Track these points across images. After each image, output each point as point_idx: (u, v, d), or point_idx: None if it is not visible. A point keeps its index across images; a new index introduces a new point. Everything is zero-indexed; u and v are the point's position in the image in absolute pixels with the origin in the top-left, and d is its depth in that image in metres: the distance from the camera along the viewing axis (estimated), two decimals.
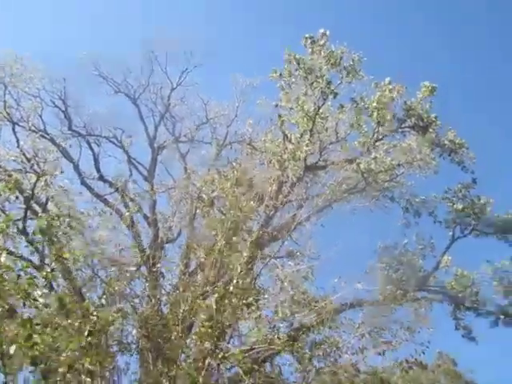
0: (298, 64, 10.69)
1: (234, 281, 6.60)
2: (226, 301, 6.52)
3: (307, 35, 10.96)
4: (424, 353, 9.20)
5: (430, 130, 12.03)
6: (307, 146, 10.19)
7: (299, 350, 8.85)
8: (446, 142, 12.51)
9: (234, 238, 7.31)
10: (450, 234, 13.40)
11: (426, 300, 12.83)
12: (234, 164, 9.73)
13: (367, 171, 11.72)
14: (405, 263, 12.94)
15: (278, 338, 7.83)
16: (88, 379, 4.66)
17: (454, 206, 13.28)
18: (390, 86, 11.25)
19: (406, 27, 27.61)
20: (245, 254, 7.24)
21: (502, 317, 13.41)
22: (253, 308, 7.04)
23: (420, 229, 13.61)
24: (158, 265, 8.36)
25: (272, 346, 8.26)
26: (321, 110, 10.74)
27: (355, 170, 11.63)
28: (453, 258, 13.60)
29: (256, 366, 8.00)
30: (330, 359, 9.21)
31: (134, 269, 8.28)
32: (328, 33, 10.86)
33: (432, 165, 12.88)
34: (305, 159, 10.42)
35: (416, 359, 9.26)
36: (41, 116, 13.77)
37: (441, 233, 13.67)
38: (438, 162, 12.88)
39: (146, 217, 12.40)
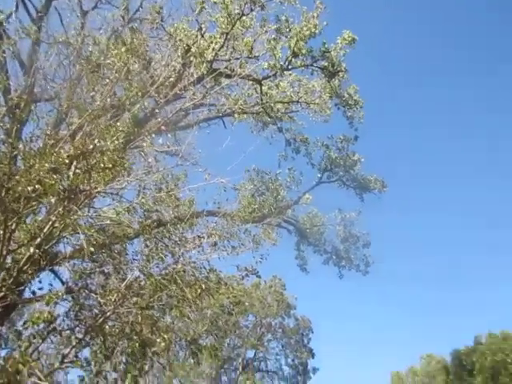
0: None
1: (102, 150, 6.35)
2: (88, 167, 6.33)
3: None
4: (261, 261, 10.24)
5: (337, 78, 12.42)
6: (219, 48, 9.80)
7: (151, 238, 9.14)
8: (346, 94, 13.09)
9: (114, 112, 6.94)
10: (319, 176, 14.55)
11: (278, 226, 14.07)
12: (135, 30, 8.92)
13: (267, 96, 11.82)
14: (270, 189, 13.81)
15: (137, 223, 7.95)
16: None
17: (330, 153, 14.30)
18: (317, 22, 11.16)
19: None
20: (121, 129, 6.96)
21: (334, 257, 15.37)
22: (115, 183, 6.98)
23: (294, 164, 14.51)
24: (23, 115, 7.62)
25: (126, 228, 8.38)
26: (244, 18, 10.31)
27: (257, 90, 11.64)
28: (313, 198, 14.95)
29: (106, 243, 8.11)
30: (177, 255, 9.75)
31: None
32: None
33: (326, 113, 13.44)
34: (211, 61, 10.06)
35: (253, 268, 10.26)
36: None
37: (311, 174, 14.78)
38: (331, 112, 13.49)
39: (22, 64, 10.94)
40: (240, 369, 29.60)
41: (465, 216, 71.01)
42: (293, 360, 34.12)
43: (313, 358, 34.61)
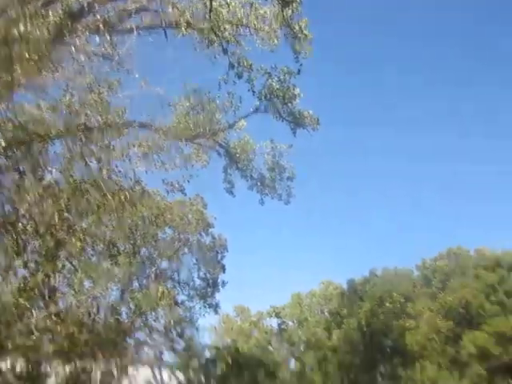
0: None
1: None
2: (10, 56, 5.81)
3: None
4: (189, 181, 10.46)
5: (290, 7, 12.04)
6: None
7: (75, 142, 8.83)
8: (296, 26, 12.80)
9: None
10: (257, 103, 14.52)
11: (209, 148, 14.15)
12: None
13: (217, 13, 11.21)
14: (207, 110, 13.62)
15: None
16: None
17: (272, 83, 14.20)
18: None
19: None
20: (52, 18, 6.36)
21: (258, 184, 15.88)
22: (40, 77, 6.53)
23: (234, 89, 14.27)
24: None
25: (48, 127, 7.98)
26: None
27: (206, 5, 10.96)
28: (247, 126, 15.02)
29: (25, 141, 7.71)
30: (102, 162, 9.55)
31: None
32: None
33: (273, 42, 13.08)
34: None
35: (180, 185, 10.48)
36: None
37: (249, 101, 14.69)
38: (279, 42, 13.16)
39: None
40: (153, 277, 30.64)
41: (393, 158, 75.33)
42: (205, 274, 35.92)
43: (224, 272, 36.74)
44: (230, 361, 21.53)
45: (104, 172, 8.71)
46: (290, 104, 15.20)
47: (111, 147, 9.48)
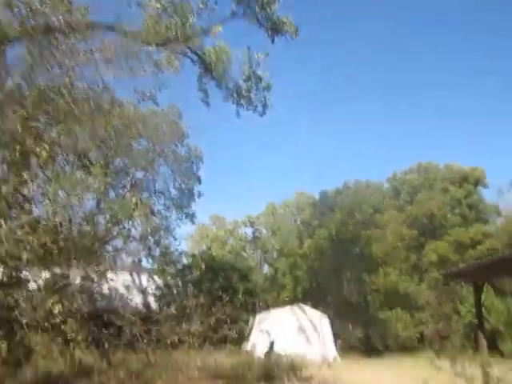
0: None
1: None
2: None
3: None
4: (160, 90, 10.09)
5: None
6: None
7: (35, 44, 8.19)
8: None
9: None
10: (233, 8, 13.56)
11: (182, 54, 13.38)
12: None
13: None
14: (180, 13, 12.67)
15: None
16: None
17: None
18: None
19: None
20: None
21: (234, 95, 15.39)
22: None
23: None
24: None
25: (4, 28, 7.30)
26: None
27: None
28: (223, 32, 14.14)
29: None
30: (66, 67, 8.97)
31: None
32: None
33: None
34: None
35: (151, 93, 10.09)
36: None
37: (225, 4, 13.69)
38: None
39: None
40: (128, 187, 30.65)
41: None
42: (180, 184, 36.15)
43: (199, 183, 37.09)
44: (204, 266, 22.50)
45: (67, 79, 8.20)
46: (268, 9, 14.28)
47: (75, 51, 8.84)
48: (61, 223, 9.56)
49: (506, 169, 62.17)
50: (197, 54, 14.59)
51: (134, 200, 12.37)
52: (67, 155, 13.73)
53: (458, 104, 64.25)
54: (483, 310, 20.53)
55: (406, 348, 24.12)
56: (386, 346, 23.72)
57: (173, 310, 10.57)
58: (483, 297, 22.89)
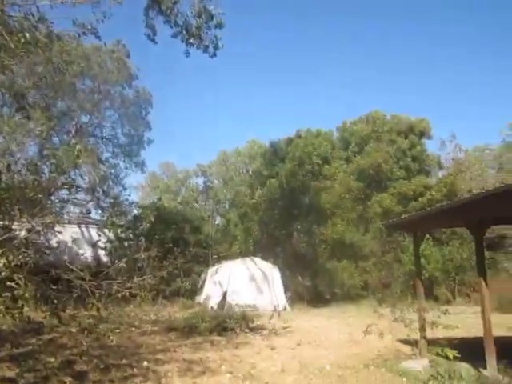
0: None
1: None
2: None
3: None
4: (103, 20, 9.27)
5: None
6: None
7: None
8: None
9: None
10: None
11: None
12: None
13: None
14: None
15: None
16: None
17: None
18: None
19: None
20: None
21: (184, 32, 14.28)
22: None
23: None
24: None
25: None
26: None
27: None
28: None
29: None
30: None
31: None
32: None
33: None
34: None
35: (92, 26, 9.21)
36: None
37: None
38: None
39: None
40: (73, 132, 28.86)
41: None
42: (129, 130, 34.53)
43: (149, 130, 35.59)
44: (155, 217, 21.96)
45: None
46: None
47: None
48: (2, 170, 8.67)
49: (448, 120, 64.94)
50: None
51: (79, 146, 11.41)
52: (3, 95, 12.43)
53: (408, 53, 65.22)
54: (422, 259, 21.83)
55: (351, 296, 25.33)
56: (333, 295, 24.79)
57: (124, 263, 10.11)
58: (422, 246, 24.26)
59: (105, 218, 22.36)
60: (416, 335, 10.65)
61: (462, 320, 15.00)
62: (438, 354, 9.66)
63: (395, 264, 27.39)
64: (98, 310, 9.03)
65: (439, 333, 10.20)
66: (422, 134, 35.09)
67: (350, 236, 27.59)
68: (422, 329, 10.75)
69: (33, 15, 8.03)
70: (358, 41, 74.97)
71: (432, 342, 10.27)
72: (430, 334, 10.64)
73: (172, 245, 13.68)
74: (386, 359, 10.25)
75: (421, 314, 10.93)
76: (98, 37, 11.83)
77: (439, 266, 26.72)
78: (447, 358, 9.33)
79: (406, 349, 11.07)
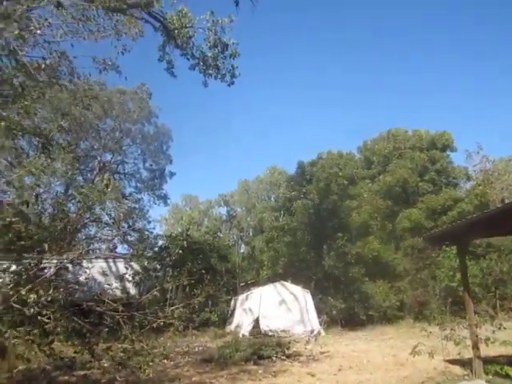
0: None
1: None
2: None
3: None
4: (123, 52, 9.42)
5: None
6: None
7: None
8: None
9: None
10: None
11: (142, 20, 12.52)
12: None
13: None
14: None
15: None
16: None
17: None
18: None
19: None
20: None
21: (201, 64, 14.59)
22: None
23: None
24: None
25: None
26: None
27: None
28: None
29: None
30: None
31: None
32: None
33: None
34: None
35: (112, 62, 9.32)
36: None
37: None
38: None
39: None
40: (97, 170, 29.49)
41: None
42: (151, 165, 35.17)
43: (170, 163, 36.19)
44: (182, 247, 21.85)
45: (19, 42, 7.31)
46: None
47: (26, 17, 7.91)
48: (30, 210, 8.81)
49: (474, 132, 63.85)
50: (158, 20, 13.71)
51: (104, 182, 11.56)
52: (28, 137, 12.75)
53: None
54: (457, 273, 20.94)
55: (387, 317, 24.42)
56: (368, 317, 23.94)
57: (153, 294, 9.98)
58: (456, 261, 23.42)
59: (131, 252, 22.53)
60: (468, 354, 9.83)
61: None
62: (496, 374, 8.88)
63: (431, 281, 26.38)
64: (132, 342, 8.85)
65: (493, 350, 9.47)
66: (446, 147, 34.64)
67: (386, 255, 26.92)
68: (476, 346, 9.69)
69: (55, 51, 8.26)
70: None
71: (488, 361, 9.49)
72: (485, 351, 9.79)
73: (201, 273, 13.54)
74: (438, 382, 9.48)
75: (473, 330, 9.90)
76: (118, 71, 12.13)
77: (477, 281, 25.55)
78: (508, 376, 8.58)
79: (458, 369, 10.22)
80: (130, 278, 19.75)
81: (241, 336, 18.69)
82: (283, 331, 18.19)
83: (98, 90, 20.40)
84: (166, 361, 12.93)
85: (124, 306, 9.16)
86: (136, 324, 8.84)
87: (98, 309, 8.59)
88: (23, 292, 7.01)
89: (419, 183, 32.01)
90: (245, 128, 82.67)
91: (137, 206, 32.58)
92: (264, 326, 19.51)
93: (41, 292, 7.50)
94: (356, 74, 75.47)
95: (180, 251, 19.64)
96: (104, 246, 21.10)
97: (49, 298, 7.58)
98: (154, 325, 9.21)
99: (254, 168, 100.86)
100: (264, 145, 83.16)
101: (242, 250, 38.54)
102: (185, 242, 19.45)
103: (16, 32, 8.05)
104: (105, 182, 8.84)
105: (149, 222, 34.14)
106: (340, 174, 29.44)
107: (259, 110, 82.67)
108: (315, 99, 77.53)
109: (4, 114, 9.15)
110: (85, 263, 12.09)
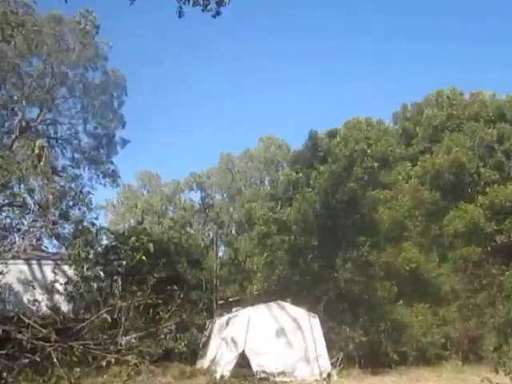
0: None
1: None
2: None
3: None
4: None
5: None
6: None
7: None
8: None
9: None
10: None
11: None
12: None
13: None
14: None
15: None
16: None
17: None
18: None
19: None
20: None
21: None
22: None
23: None
24: None
25: None
26: None
27: None
28: None
29: None
30: None
31: None
32: None
33: None
34: None
35: None
36: None
37: None
38: None
39: None
40: (17, 132, 29.12)
41: None
42: (95, 128, 34.79)
43: (123, 127, 35.84)
44: (135, 248, 21.77)
45: None
46: None
47: None
48: None
49: None
50: None
51: (35, 151, 11.37)
52: None
53: None
54: None
55: (426, 357, 24.70)
56: (400, 355, 24.17)
57: (102, 316, 9.91)
58: None
59: (63, 251, 22.33)
60: None
61: None
62: None
63: (489, 308, 26.75)
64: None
65: None
66: None
67: (428, 268, 27.08)
68: None
69: None
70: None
71: None
72: None
73: (163, 286, 13.55)
74: None
75: None
76: None
77: None
78: None
79: None
80: (62, 289, 19.61)
81: (218, 377, 18.75)
82: (281, 373, 18.30)
83: (21, 15, 20.05)
84: None
85: (57, 332, 9.08)
86: (74, 358, 8.79)
87: (18, 336, 8.49)
88: None
89: (481, 169, 32.05)
90: (230, 81, 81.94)
91: (73, 185, 32.25)
92: (254, 363, 19.58)
93: None
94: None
95: (134, 253, 19.56)
96: (25, 242, 20.89)
97: None
98: (105, 360, 9.17)
99: (242, 138, 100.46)
100: (257, 105, 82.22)
101: (221, 254, 38.50)
102: (141, 241, 19.34)
103: None
104: (36, 150, 8.67)
105: (90, 210, 33.70)
106: (368, 151, 29.36)
107: (252, 56, 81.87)
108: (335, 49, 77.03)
109: None
110: None
